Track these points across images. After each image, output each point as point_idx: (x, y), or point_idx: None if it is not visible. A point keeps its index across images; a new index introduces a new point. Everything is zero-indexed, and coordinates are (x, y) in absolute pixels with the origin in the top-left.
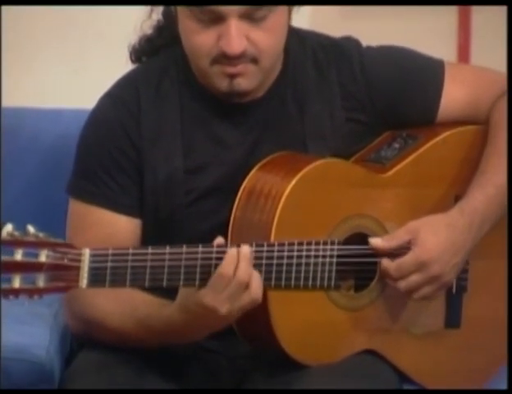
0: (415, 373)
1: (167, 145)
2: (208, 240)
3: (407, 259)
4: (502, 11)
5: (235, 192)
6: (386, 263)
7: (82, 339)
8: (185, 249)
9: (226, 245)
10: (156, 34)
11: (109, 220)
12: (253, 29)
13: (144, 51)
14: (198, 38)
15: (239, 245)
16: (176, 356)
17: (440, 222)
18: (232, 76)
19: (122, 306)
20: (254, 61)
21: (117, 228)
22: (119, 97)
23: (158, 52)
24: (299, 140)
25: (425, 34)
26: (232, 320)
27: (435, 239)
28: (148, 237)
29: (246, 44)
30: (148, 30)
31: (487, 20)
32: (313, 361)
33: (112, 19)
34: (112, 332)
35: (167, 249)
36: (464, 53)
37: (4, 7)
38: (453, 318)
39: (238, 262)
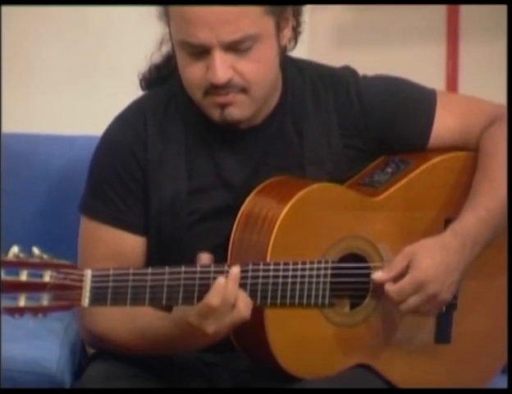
0: (404, 385)
1: (172, 168)
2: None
3: (406, 282)
4: (489, 41)
5: (235, 214)
6: (388, 287)
7: (94, 348)
8: (183, 268)
9: (224, 264)
10: (164, 64)
11: (115, 237)
12: (238, 59)
13: (153, 79)
14: (190, 71)
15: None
16: (179, 369)
17: (434, 245)
18: (223, 106)
19: (122, 319)
20: (244, 90)
21: (123, 245)
22: (128, 121)
23: (166, 81)
24: (298, 165)
25: (416, 64)
26: (222, 336)
27: (430, 260)
28: (152, 254)
29: (232, 74)
30: (157, 60)
31: (474, 51)
32: (308, 375)
33: (123, 50)
34: (113, 343)
35: (167, 269)
36: (452, 82)
37: (17, 42)
38: (443, 334)
39: (226, 284)
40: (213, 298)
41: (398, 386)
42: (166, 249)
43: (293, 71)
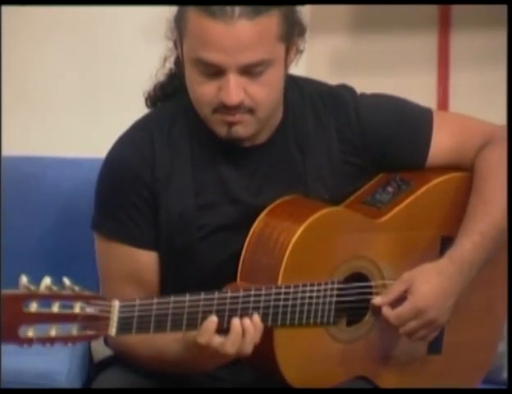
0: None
1: (180, 185)
2: (218, 271)
3: (405, 308)
4: (478, 69)
5: (243, 228)
6: (386, 311)
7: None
8: (202, 296)
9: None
10: (168, 81)
11: (129, 254)
12: (250, 83)
13: (158, 97)
14: (202, 89)
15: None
16: (185, 382)
17: (432, 271)
18: (230, 124)
19: (144, 338)
20: (251, 111)
21: (137, 261)
22: (134, 141)
23: (171, 98)
24: (300, 181)
25: (408, 89)
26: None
27: (428, 287)
28: (164, 268)
29: (243, 96)
30: (162, 78)
31: (464, 77)
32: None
33: (128, 74)
34: (136, 359)
35: (187, 297)
36: (442, 108)
37: (28, 64)
38: (435, 346)
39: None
40: (200, 338)
41: None
42: (178, 262)
43: (293, 89)
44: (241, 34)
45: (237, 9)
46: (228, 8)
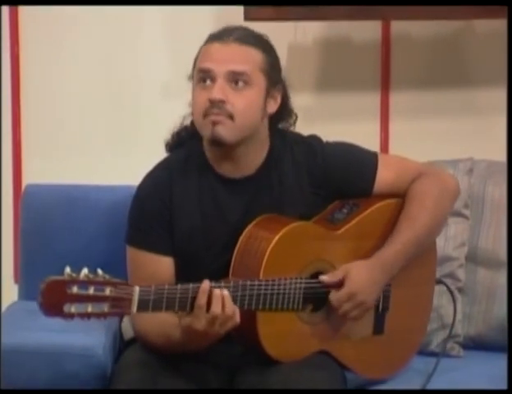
0: (352, 365)
1: (189, 209)
2: (216, 272)
3: (342, 291)
4: (414, 120)
5: (233, 243)
6: (330, 296)
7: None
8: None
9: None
10: (182, 129)
11: (151, 259)
12: (232, 92)
13: (175, 143)
14: (198, 98)
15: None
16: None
17: (363, 266)
18: (214, 124)
19: (156, 326)
20: (231, 117)
21: (157, 265)
22: (157, 177)
23: (184, 145)
24: (278, 207)
25: (357, 136)
26: (220, 335)
27: (360, 276)
28: (178, 271)
29: (226, 98)
30: (177, 128)
31: (402, 127)
32: (285, 359)
33: (154, 123)
34: (151, 344)
35: (191, 285)
36: (384, 150)
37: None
38: (379, 328)
39: (211, 300)
40: (200, 300)
41: (346, 365)
42: (188, 267)
43: (278, 138)
44: (231, 51)
45: (231, 37)
46: (226, 36)
